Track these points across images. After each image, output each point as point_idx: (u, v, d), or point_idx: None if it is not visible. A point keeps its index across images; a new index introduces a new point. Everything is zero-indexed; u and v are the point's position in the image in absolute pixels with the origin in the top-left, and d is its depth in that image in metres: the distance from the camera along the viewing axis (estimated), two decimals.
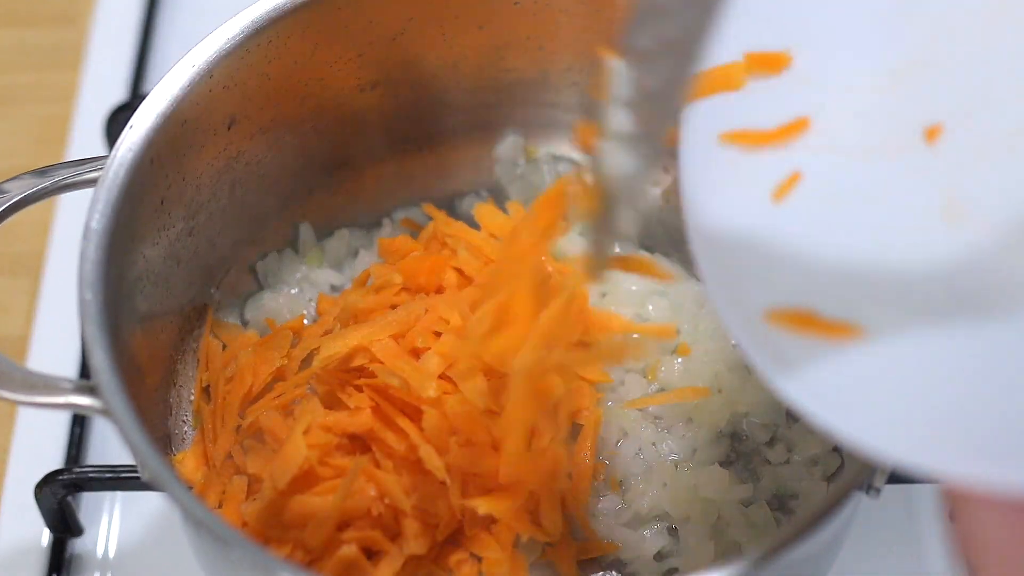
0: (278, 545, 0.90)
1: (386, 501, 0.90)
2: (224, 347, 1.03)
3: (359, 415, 0.93)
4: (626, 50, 0.75)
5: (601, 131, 0.79)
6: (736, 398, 1.01)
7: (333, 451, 0.92)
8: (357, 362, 0.95)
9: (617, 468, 0.99)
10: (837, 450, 1.00)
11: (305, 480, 0.90)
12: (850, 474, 0.81)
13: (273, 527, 0.90)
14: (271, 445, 0.94)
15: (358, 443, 0.93)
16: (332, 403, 0.96)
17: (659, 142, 0.77)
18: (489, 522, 0.92)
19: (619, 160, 0.79)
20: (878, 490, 0.86)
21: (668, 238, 1.12)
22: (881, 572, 1.01)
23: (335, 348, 0.95)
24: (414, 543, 0.90)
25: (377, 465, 0.92)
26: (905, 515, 1.04)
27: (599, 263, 0.84)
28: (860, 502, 0.87)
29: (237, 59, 0.96)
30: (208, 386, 1.01)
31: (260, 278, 1.09)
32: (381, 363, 0.94)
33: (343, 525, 0.90)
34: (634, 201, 0.80)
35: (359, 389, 0.95)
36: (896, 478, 0.96)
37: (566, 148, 1.13)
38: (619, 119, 0.78)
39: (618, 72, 0.77)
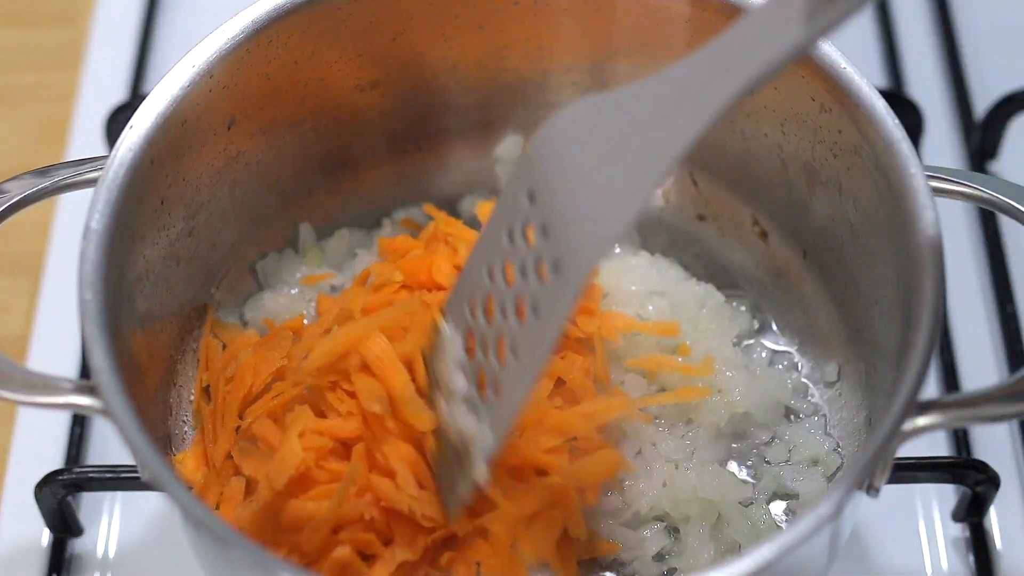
0: (273, 549, 0.90)
1: (382, 504, 0.90)
2: (224, 347, 1.03)
3: (349, 421, 0.93)
4: (450, 316, 0.81)
5: (437, 383, 0.84)
6: (736, 398, 1.00)
7: (327, 455, 0.92)
8: (352, 362, 0.95)
9: None
10: (837, 450, 1.00)
11: (300, 484, 0.90)
12: (850, 474, 0.81)
13: (268, 531, 0.90)
14: (264, 450, 0.94)
15: (351, 448, 0.93)
16: (323, 406, 0.95)
17: (508, 417, 0.81)
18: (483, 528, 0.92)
19: (463, 419, 0.84)
20: (878, 490, 0.86)
21: (669, 238, 1.12)
22: (881, 572, 1.01)
23: (326, 347, 0.94)
24: (407, 548, 0.90)
25: (371, 469, 0.91)
26: (905, 515, 1.04)
27: (454, 506, 0.87)
28: (860, 502, 0.87)
29: (237, 59, 0.96)
30: (208, 386, 1.01)
31: (260, 278, 1.09)
32: (372, 374, 0.94)
33: (337, 529, 0.90)
34: (484, 455, 0.83)
35: (351, 395, 0.94)
36: (896, 478, 0.96)
37: None
38: (456, 380, 0.83)
39: (448, 335, 0.82)
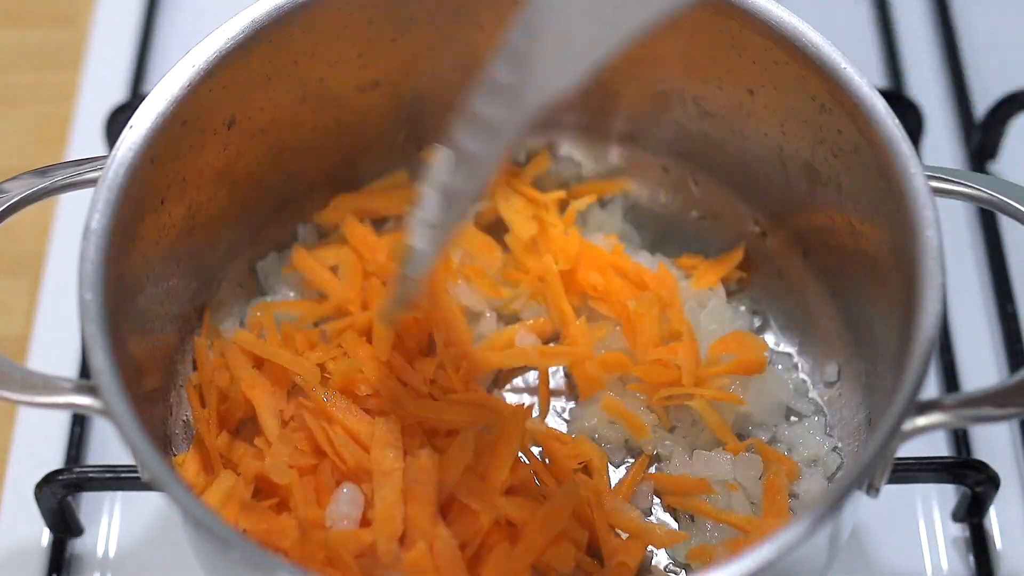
0: None
1: None
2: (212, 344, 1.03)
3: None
4: (452, 145, 0.81)
5: (416, 209, 0.85)
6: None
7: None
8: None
9: None
10: (837, 450, 1.00)
11: None
12: (850, 474, 0.81)
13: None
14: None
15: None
16: None
17: (447, 235, 0.85)
18: None
19: (419, 240, 0.85)
20: (878, 490, 0.86)
21: (669, 238, 1.12)
22: (881, 572, 1.01)
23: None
24: None
25: None
26: (905, 515, 1.04)
27: (389, 315, 0.92)
28: (860, 502, 0.87)
29: (237, 59, 0.96)
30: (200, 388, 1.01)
31: (260, 278, 1.09)
32: None
33: None
34: (416, 279, 0.88)
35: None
36: (896, 478, 0.96)
37: (566, 148, 1.13)
38: (430, 205, 0.84)
39: (442, 162, 0.83)
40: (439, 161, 0.84)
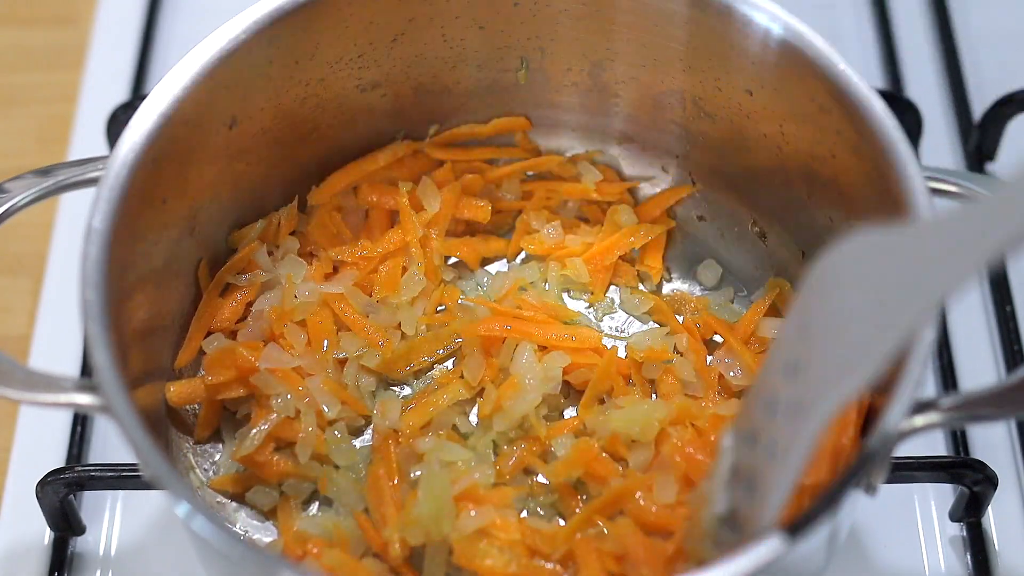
0: None
1: None
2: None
3: None
4: (736, 428, 0.81)
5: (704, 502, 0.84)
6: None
7: None
8: None
9: None
10: None
11: None
12: (848, 473, 0.81)
13: None
14: None
15: None
16: None
17: (749, 532, 0.80)
18: None
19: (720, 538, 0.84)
20: (876, 489, 0.86)
21: (668, 238, 1.12)
22: (879, 571, 1.02)
23: None
24: None
25: None
26: (903, 514, 1.04)
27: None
28: (858, 501, 0.87)
29: (238, 59, 0.96)
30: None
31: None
32: None
33: None
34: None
35: None
36: (894, 477, 0.96)
37: (565, 148, 1.13)
38: (718, 501, 0.83)
39: (727, 448, 0.82)
40: (722, 451, 0.83)
